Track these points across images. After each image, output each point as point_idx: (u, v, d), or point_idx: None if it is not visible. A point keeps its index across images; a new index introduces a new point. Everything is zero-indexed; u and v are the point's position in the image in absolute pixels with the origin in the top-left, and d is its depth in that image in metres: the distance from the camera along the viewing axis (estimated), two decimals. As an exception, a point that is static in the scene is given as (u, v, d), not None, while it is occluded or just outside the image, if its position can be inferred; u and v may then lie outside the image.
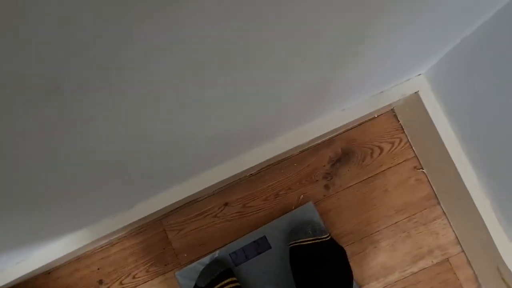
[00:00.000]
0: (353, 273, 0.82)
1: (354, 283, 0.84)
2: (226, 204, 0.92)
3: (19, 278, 0.81)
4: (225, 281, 0.82)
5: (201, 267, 0.88)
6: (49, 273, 0.93)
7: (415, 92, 0.74)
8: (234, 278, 0.84)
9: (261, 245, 0.88)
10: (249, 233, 0.89)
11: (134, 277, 0.92)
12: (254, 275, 0.88)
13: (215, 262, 0.86)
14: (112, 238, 0.92)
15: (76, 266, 0.93)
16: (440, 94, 0.72)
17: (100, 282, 0.93)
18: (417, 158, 0.89)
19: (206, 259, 0.88)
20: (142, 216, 0.77)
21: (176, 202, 0.81)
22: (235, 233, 0.91)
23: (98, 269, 0.93)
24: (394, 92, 0.75)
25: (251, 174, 0.92)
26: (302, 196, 0.91)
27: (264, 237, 0.88)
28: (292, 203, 0.91)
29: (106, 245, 0.93)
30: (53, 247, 0.79)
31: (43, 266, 0.83)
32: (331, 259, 0.81)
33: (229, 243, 0.89)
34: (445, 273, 0.88)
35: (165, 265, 0.92)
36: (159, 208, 0.77)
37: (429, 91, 0.72)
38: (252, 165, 0.77)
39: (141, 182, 0.64)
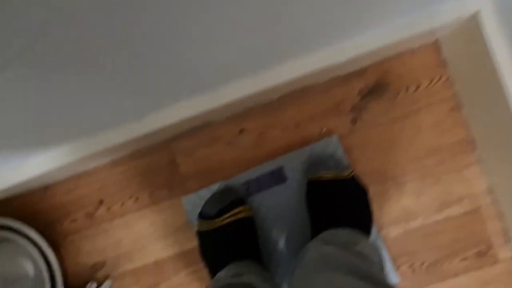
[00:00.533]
0: (375, 217, 0.76)
1: (374, 225, 0.78)
2: (241, 131, 0.84)
3: (14, 186, 0.74)
4: (237, 210, 0.76)
5: (210, 195, 0.81)
6: (47, 188, 0.87)
7: (473, 14, 0.64)
8: (247, 207, 0.78)
9: (277, 176, 0.81)
10: (265, 163, 0.81)
11: (136, 200, 0.86)
12: (266, 208, 0.81)
13: (226, 190, 0.79)
14: (117, 156, 0.85)
15: (76, 183, 0.87)
16: (505, 19, 0.62)
17: (101, 202, 0.86)
18: (457, 98, 0.81)
19: (216, 187, 0.81)
20: (152, 128, 0.69)
21: (188, 121, 0.74)
22: (249, 163, 0.83)
23: (100, 188, 0.87)
24: (447, 13, 0.65)
25: (271, 100, 0.83)
26: (325, 129, 0.83)
27: (281, 168, 0.81)
28: (313, 135, 0.83)
29: (110, 164, 0.86)
30: (52, 154, 0.72)
31: (40, 178, 0.77)
32: (352, 198, 0.74)
33: (243, 171, 0.82)
34: (473, 223, 0.81)
35: (171, 190, 0.85)
36: (170, 122, 0.69)
37: (492, 13, 0.63)
38: (274, 84, 0.68)
39: (155, 84, 0.56)
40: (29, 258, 0.85)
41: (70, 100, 0.51)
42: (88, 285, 0.85)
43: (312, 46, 0.64)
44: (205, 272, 0.85)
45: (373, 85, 0.82)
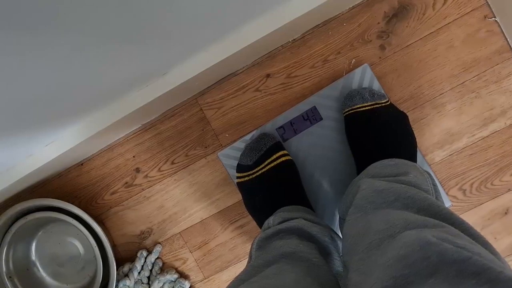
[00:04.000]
0: (417, 143, 0.73)
1: (418, 152, 0.75)
2: (268, 75, 0.81)
3: (50, 163, 0.73)
4: (277, 155, 0.74)
5: (245, 145, 0.79)
6: (82, 164, 0.86)
7: None
8: (286, 152, 0.76)
9: (311, 116, 0.78)
10: (296, 105, 0.79)
11: (173, 163, 0.85)
12: (305, 150, 0.79)
13: (262, 136, 0.77)
14: (146, 122, 0.84)
15: (109, 155, 0.86)
16: None
17: (137, 170, 0.85)
18: (489, 5, 0.76)
19: (250, 137, 0.79)
20: (177, 83, 0.67)
21: (213, 71, 0.71)
22: (281, 107, 0.81)
23: (134, 156, 0.85)
24: None
25: (294, 39, 0.80)
26: (354, 60, 0.79)
27: (314, 107, 0.78)
28: (343, 69, 0.80)
29: (139, 130, 0.85)
30: (83, 125, 0.70)
31: (74, 152, 0.76)
32: (393, 125, 0.71)
33: (275, 117, 0.80)
34: (520, 135, 0.78)
35: (206, 147, 0.84)
36: (194, 74, 0.67)
37: None
38: (295, 16, 0.65)
39: (177, 33, 0.53)
40: (77, 236, 0.86)
41: (92, 64, 0.48)
42: (139, 253, 0.85)
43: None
44: (252, 225, 0.84)
45: (398, 6, 0.78)
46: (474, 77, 0.78)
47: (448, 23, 0.77)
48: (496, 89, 0.77)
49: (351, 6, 0.78)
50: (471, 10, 0.77)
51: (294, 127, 0.79)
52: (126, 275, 0.84)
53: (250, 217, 0.82)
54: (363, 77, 0.77)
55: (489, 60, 0.77)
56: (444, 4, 0.77)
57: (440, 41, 0.78)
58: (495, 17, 0.76)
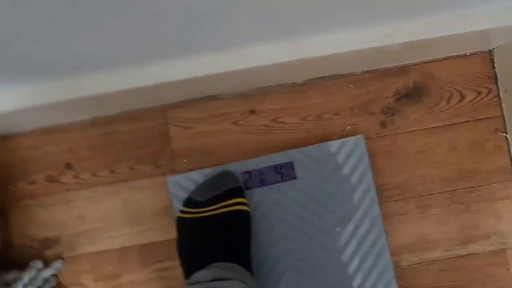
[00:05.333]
0: (387, 238, 0.63)
1: (385, 249, 0.65)
2: (253, 111, 0.71)
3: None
4: (234, 200, 0.63)
5: (203, 179, 0.67)
6: (6, 138, 0.71)
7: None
8: (246, 201, 0.64)
9: (284, 171, 0.68)
10: (273, 154, 0.68)
11: (112, 171, 0.71)
12: (266, 206, 0.68)
13: (225, 174, 0.65)
14: (99, 115, 0.71)
15: (43, 139, 0.72)
16: None
17: (68, 166, 0.71)
18: (504, 119, 0.70)
19: (211, 171, 0.68)
20: (153, 82, 0.55)
21: (193, 84, 0.60)
22: (255, 151, 0.70)
23: (70, 149, 0.72)
24: (505, 15, 0.54)
25: (294, 83, 0.71)
26: (349, 127, 0.70)
27: (291, 163, 0.68)
28: (335, 132, 0.71)
29: (88, 122, 0.71)
30: (16, 93, 0.57)
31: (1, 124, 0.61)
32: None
33: (245, 159, 0.68)
34: (497, 266, 0.70)
35: (156, 166, 0.71)
36: (176, 78, 0.55)
37: None
38: (307, 56, 0.56)
39: (165, 26, 0.42)
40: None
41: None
42: (32, 263, 0.69)
43: (359, 20, 0.52)
44: (178, 272, 0.70)
45: (412, 87, 0.71)
46: (468, 188, 0.70)
47: (458, 123, 0.70)
48: (487, 209, 0.70)
49: (365, 70, 0.70)
50: (485, 118, 0.70)
51: (262, 177, 0.68)
52: (7, 284, 0.67)
53: (177, 262, 0.68)
54: (354, 148, 0.68)
55: (488, 176, 0.70)
56: (460, 101, 0.70)
57: (444, 138, 0.70)
58: (506, 133, 0.70)
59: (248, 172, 0.68)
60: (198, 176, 0.68)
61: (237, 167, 0.68)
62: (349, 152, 0.68)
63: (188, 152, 0.71)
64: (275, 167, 0.68)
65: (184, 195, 0.67)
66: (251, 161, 0.69)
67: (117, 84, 0.56)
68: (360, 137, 0.68)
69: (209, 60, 0.55)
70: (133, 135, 0.72)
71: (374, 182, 0.68)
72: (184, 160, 0.71)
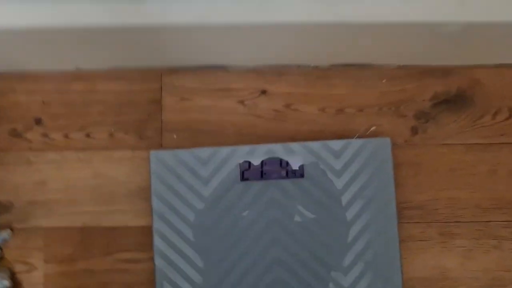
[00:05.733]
0: (402, 268, 0.52)
1: (397, 276, 0.53)
2: (264, 92, 0.60)
3: None
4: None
5: (193, 160, 0.55)
6: (-29, 77, 0.60)
7: None
8: None
9: (291, 168, 0.56)
10: (281, 143, 0.57)
11: (88, 136, 0.60)
12: (262, 204, 0.56)
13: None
14: (85, 66, 0.59)
15: (14, 85, 0.61)
16: None
17: (38, 121, 0.60)
18: (557, 146, 0.58)
19: (203, 152, 0.56)
20: (148, 21, 0.44)
21: (204, 45, 0.49)
22: (260, 138, 0.59)
23: (43, 102, 0.60)
24: None
25: (317, 66, 0.60)
26: (374, 127, 0.59)
27: (301, 158, 0.56)
28: (356, 131, 0.59)
29: (72, 74, 0.60)
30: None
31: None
32: None
33: (246, 145, 0.57)
34: (526, 320, 0.57)
35: (141, 138, 0.60)
36: (177, 22, 0.44)
37: None
38: (334, 20, 0.44)
39: None
40: None
41: None
42: (-25, 228, 0.57)
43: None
44: (146, 265, 0.58)
45: (455, 93, 0.60)
46: (504, 221, 0.58)
47: (502, 143, 0.59)
48: (523, 250, 0.58)
49: (402, 64, 0.59)
50: (535, 142, 0.59)
51: (264, 169, 0.56)
52: None
53: (146, 254, 0.57)
54: (377, 152, 0.56)
55: (530, 211, 0.58)
56: (508, 118, 0.59)
57: (484, 158, 0.59)
58: (558, 164, 0.58)
59: (248, 162, 0.57)
60: (188, 156, 0.57)
61: (235, 153, 0.57)
62: (370, 156, 0.57)
63: (180, 127, 0.60)
64: (281, 160, 0.57)
65: (167, 176, 0.56)
66: (253, 148, 0.57)
67: (107, 17, 0.44)
68: (386, 141, 0.57)
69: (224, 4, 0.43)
70: (119, 97, 0.60)
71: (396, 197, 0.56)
72: (174, 136, 0.60)
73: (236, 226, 0.56)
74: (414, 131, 0.60)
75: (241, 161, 0.57)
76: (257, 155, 0.57)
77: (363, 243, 0.56)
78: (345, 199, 0.56)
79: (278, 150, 0.57)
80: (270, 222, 0.56)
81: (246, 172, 0.57)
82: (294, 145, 0.57)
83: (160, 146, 0.60)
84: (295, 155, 0.57)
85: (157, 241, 0.55)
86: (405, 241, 0.58)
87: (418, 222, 0.59)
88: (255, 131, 0.60)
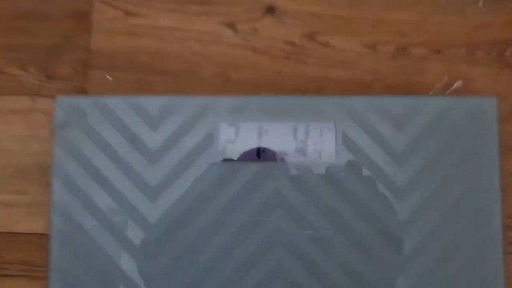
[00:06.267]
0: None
1: None
2: (271, 9, 0.33)
3: None
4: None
5: (135, 116, 0.28)
6: None
7: None
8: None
9: (312, 143, 0.29)
10: (300, 96, 0.30)
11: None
12: (263, 190, 0.29)
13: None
14: None
15: None
16: None
17: None
18: None
19: (155, 102, 0.29)
20: None
21: None
22: (261, 87, 0.32)
23: None
24: None
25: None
26: (460, 81, 0.33)
27: (333, 126, 0.29)
28: (428, 85, 0.33)
29: None
30: None
31: None
32: None
33: (234, 96, 0.30)
34: None
35: (48, 76, 0.32)
36: None
37: None
38: None
39: None
40: None
41: None
42: None
43: None
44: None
45: None
46: None
47: None
48: None
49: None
50: None
51: (262, 144, 0.30)
52: None
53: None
54: (469, 124, 0.29)
55: None
56: None
57: None
58: None
59: (236, 125, 0.30)
60: (125, 108, 0.30)
61: (215, 106, 0.30)
62: (457, 130, 0.30)
63: (120, 61, 0.33)
64: (294, 127, 0.30)
65: (84, 144, 0.29)
66: (245, 100, 0.30)
67: None
68: (493, 100, 0.30)
69: None
70: (17, 6, 0.34)
71: (502, 204, 0.30)
72: (109, 77, 0.33)
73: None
74: (530, 92, 0.33)
75: (224, 125, 0.30)
76: (249, 114, 0.30)
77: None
78: (410, 203, 0.30)
79: (289, 105, 0.30)
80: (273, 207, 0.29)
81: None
82: (318, 100, 0.30)
83: (84, 91, 0.33)
84: (329, 119, 0.30)
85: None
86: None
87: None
88: (253, 76, 0.33)
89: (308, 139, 0.31)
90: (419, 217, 0.30)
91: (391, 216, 0.30)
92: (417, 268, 0.30)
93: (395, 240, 0.30)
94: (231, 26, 0.34)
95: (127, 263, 0.30)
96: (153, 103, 0.31)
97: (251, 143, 0.31)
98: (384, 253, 0.30)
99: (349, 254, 0.30)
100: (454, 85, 0.34)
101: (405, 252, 0.30)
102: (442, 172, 0.30)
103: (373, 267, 0.30)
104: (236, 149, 0.30)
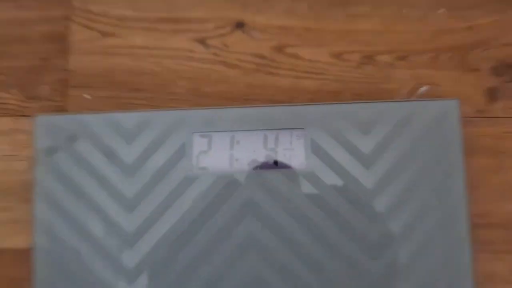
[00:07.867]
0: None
1: None
2: (240, 25, 0.35)
3: None
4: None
5: (112, 133, 0.30)
6: None
7: None
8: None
9: (281, 150, 0.31)
10: (265, 106, 0.31)
11: None
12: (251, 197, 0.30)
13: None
14: None
15: None
16: None
17: None
18: None
19: (130, 119, 0.30)
20: None
21: None
22: (231, 99, 0.33)
23: None
24: None
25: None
26: (426, 87, 0.34)
27: (303, 130, 0.31)
28: (395, 92, 0.34)
29: None
30: None
31: None
32: None
33: (204, 108, 0.32)
34: None
35: (28, 97, 0.34)
36: None
37: None
38: None
39: None
40: None
41: None
42: None
43: None
44: None
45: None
46: None
47: None
48: None
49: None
50: None
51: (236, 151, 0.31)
52: None
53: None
54: (433, 126, 0.31)
55: None
56: None
57: None
58: None
59: (208, 136, 0.31)
60: (104, 125, 0.31)
61: (188, 119, 0.31)
62: (423, 132, 0.31)
63: (97, 80, 0.34)
64: (264, 135, 0.31)
65: (64, 162, 0.30)
66: (217, 112, 0.31)
67: None
68: (456, 102, 0.32)
69: None
70: (10, 29, 0.35)
71: (468, 203, 0.31)
72: (87, 96, 0.34)
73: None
74: (492, 95, 0.35)
75: (196, 135, 0.31)
76: (221, 125, 0.31)
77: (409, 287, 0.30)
78: (378, 206, 0.31)
79: (260, 115, 0.31)
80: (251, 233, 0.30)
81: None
82: (288, 110, 0.31)
83: (64, 110, 0.34)
84: (290, 126, 0.31)
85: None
86: (482, 283, 0.32)
87: (499, 252, 0.33)
88: (224, 90, 0.34)
89: (278, 147, 0.32)
90: (388, 219, 0.31)
91: (360, 220, 0.31)
92: (387, 269, 0.30)
93: (367, 243, 0.31)
94: (202, 42, 0.36)
95: (110, 276, 0.31)
96: (129, 118, 0.32)
97: (224, 153, 0.32)
98: (354, 254, 0.31)
99: (320, 257, 0.31)
100: (420, 90, 0.35)
101: (374, 255, 0.31)
102: (409, 174, 0.31)
103: (346, 270, 0.31)
104: (209, 160, 0.32)
